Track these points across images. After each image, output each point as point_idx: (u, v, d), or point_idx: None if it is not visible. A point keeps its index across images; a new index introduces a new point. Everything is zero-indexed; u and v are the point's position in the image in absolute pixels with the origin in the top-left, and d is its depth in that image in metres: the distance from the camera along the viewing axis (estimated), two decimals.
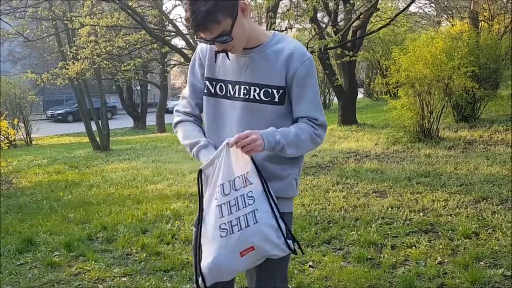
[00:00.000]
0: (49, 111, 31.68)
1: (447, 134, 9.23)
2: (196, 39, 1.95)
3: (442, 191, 5.71)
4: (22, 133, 18.18)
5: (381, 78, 18.76)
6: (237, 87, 1.99)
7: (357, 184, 6.42)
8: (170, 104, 33.86)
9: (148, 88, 28.35)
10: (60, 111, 31.19)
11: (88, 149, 14.11)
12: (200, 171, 1.95)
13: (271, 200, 1.91)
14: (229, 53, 1.94)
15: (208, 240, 1.89)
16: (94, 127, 14.17)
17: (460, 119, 10.12)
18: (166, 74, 23.81)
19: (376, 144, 9.39)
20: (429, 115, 8.88)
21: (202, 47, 2.07)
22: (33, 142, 18.82)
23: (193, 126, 2.11)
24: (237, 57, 1.99)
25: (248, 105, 1.98)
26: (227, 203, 1.86)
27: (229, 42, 1.87)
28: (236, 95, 1.99)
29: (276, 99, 1.96)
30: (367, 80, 26.22)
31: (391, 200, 5.51)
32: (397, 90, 9.97)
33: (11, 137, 10.79)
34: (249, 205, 1.86)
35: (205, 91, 2.07)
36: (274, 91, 1.95)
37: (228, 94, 2.01)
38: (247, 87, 1.97)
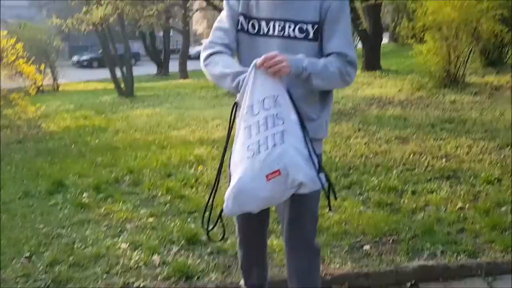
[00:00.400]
0: (75, 57, 31.85)
1: (473, 80, 9.05)
2: None
3: (466, 137, 5.67)
4: (49, 79, 18.39)
5: (407, 21, 18.19)
6: (271, 23, 1.98)
7: (379, 131, 6.39)
8: (192, 50, 33.63)
9: (171, 34, 28.10)
10: (85, 57, 31.34)
11: (113, 95, 14.26)
12: (235, 105, 1.91)
13: (304, 132, 1.88)
14: None
15: (236, 166, 1.85)
16: (118, 73, 14.24)
17: (488, 64, 9.89)
18: (188, 19, 23.49)
19: (400, 91, 9.26)
20: (455, 60, 8.70)
21: None
22: (60, 88, 19.06)
23: (233, 60, 2.03)
24: None
25: (284, 41, 1.97)
26: (256, 122, 1.80)
27: None
28: (271, 32, 1.99)
29: (311, 36, 1.96)
30: (393, 24, 25.46)
31: (413, 146, 5.50)
32: (423, 34, 9.71)
33: (38, 83, 10.94)
34: (278, 125, 1.80)
35: (239, 27, 2.04)
36: (309, 26, 1.95)
37: (262, 32, 2.01)
38: (282, 23, 1.97)
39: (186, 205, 4.18)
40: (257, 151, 1.79)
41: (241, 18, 2.03)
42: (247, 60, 1.96)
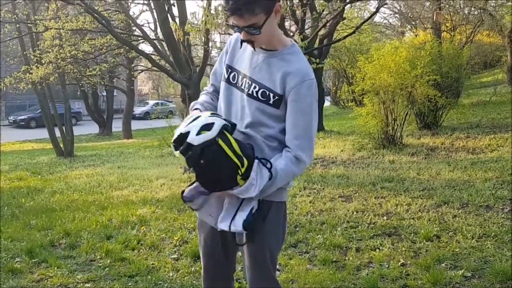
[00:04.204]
0: (11, 117, 30.85)
1: (410, 141, 9.44)
2: (226, 23, 2.04)
3: (405, 195, 5.84)
4: None
5: (347, 86, 19.03)
6: (244, 80, 2.12)
7: (323, 189, 6.49)
8: (136, 110, 33.40)
9: (114, 94, 27.95)
10: (22, 117, 30.40)
11: (51, 155, 13.80)
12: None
13: None
14: (253, 45, 2.04)
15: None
16: (58, 133, 13.85)
17: (423, 126, 10.36)
18: (133, 79, 23.54)
19: (342, 151, 9.52)
20: (393, 122, 9.07)
21: (232, 38, 2.22)
22: None
23: (205, 97, 2.29)
24: (253, 53, 2.10)
25: (250, 99, 2.08)
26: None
27: (256, 36, 1.97)
28: (243, 87, 2.11)
29: (271, 102, 2.06)
30: (334, 88, 26.58)
31: (356, 204, 5.60)
32: (362, 98, 10.15)
33: None
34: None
35: (223, 76, 2.20)
36: (271, 95, 2.05)
37: (238, 84, 2.14)
38: (250, 82, 2.09)
39: (127, 269, 3.99)
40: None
41: (225, 69, 2.18)
42: (225, 106, 2.16)
